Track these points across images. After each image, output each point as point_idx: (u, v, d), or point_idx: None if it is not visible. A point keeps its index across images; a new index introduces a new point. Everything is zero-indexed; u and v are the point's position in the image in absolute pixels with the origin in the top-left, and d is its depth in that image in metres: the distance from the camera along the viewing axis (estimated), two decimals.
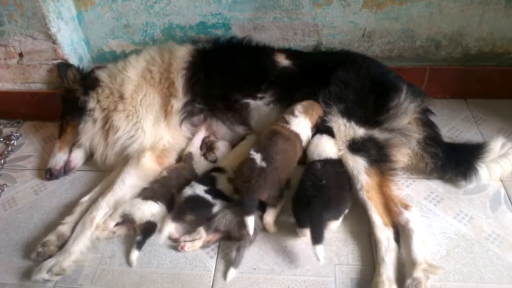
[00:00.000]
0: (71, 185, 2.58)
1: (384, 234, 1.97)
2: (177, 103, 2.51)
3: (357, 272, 1.97)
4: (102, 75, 2.61)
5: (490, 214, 2.18)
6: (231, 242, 2.12)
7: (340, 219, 2.10)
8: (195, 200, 2.12)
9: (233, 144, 2.55)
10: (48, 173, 2.61)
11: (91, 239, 2.12)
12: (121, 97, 2.52)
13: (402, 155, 2.27)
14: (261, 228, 2.11)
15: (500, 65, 2.80)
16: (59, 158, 2.62)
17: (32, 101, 2.99)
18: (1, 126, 3.09)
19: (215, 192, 2.17)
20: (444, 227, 2.13)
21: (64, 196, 2.51)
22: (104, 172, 2.62)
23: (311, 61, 2.55)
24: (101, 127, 2.55)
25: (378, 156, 2.15)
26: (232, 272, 1.97)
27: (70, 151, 2.64)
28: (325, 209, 1.98)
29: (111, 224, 2.14)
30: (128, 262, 2.08)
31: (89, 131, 2.55)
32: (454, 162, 2.29)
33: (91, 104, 2.55)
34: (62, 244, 2.14)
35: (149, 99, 2.51)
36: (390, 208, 2.05)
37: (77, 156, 2.66)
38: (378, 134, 2.21)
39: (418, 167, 2.35)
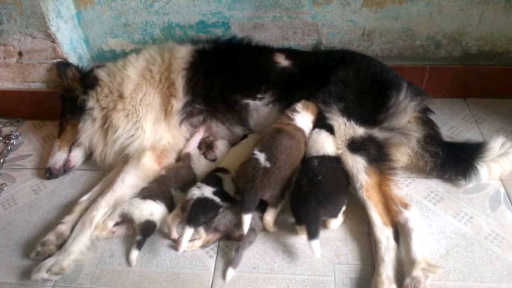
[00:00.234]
0: (70, 184, 2.58)
1: (384, 234, 1.97)
2: (177, 103, 2.50)
3: (356, 271, 1.98)
4: (102, 74, 2.61)
5: (489, 213, 2.18)
6: (230, 241, 2.12)
7: (340, 216, 2.10)
8: (204, 202, 2.10)
9: (232, 144, 2.55)
10: (47, 172, 2.61)
11: (90, 238, 2.12)
12: (121, 96, 2.52)
13: (402, 154, 2.27)
14: (261, 228, 2.11)
15: (499, 64, 2.80)
16: (58, 157, 2.62)
17: (32, 100, 2.99)
18: (1, 125, 3.09)
19: (222, 193, 2.16)
20: (444, 226, 2.13)
21: (64, 195, 2.51)
22: (103, 171, 2.62)
23: (310, 61, 2.55)
24: (100, 126, 2.55)
25: (377, 155, 2.15)
26: (230, 272, 1.98)
27: (70, 150, 2.64)
28: (321, 205, 1.97)
29: (110, 223, 2.14)
30: (128, 261, 2.08)
31: (89, 130, 2.55)
32: (454, 161, 2.29)
33: (91, 103, 2.54)
34: (62, 244, 2.14)
35: (149, 99, 2.51)
36: (390, 207, 2.05)
37: (77, 155, 2.66)
38: (377, 133, 2.21)
39: (418, 166, 2.35)
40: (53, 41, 2.70)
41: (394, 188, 2.14)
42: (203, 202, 2.10)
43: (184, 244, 2.03)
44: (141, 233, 2.09)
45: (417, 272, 1.82)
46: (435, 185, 2.34)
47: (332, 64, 2.42)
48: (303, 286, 1.93)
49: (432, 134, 2.33)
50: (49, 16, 2.60)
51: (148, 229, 2.11)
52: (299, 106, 2.30)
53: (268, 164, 2.06)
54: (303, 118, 2.27)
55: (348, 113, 2.24)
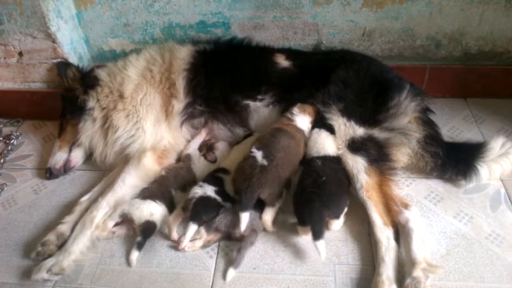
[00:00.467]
0: (70, 184, 2.58)
1: (384, 234, 1.97)
2: (178, 104, 2.50)
3: (357, 271, 1.97)
4: (102, 74, 2.61)
5: (490, 213, 2.18)
6: (231, 241, 2.12)
7: (341, 217, 2.10)
8: (206, 200, 2.11)
9: (232, 145, 2.54)
10: (48, 172, 2.61)
11: (91, 238, 2.12)
12: (121, 96, 2.52)
13: (402, 155, 2.27)
14: (262, 228, 2.11)
15: (500, 64, 2.80)
16: (59, 157, 2.62)
17: (32, 100, 2.99)
18: (1, 125, 3.09)
19: (224, 193, 2.17)
20: (444, 227, 2.13)
21: (64, 195, 2.51)
22: (103, 171, 2.62)
23: (311, 61, 2.54)
24: (100, 126, 2.55)
25: (377, 155, 2.15)
26: (231, 273, 1.98)
27: (70, 150, 2.64)
28: (325, 206, 1.98)
29: (110, 224, 2.14)
30: (128, 262, 2.08)
31: (89, 130, 2.55)
32: (454, 161, 2.28)
33: (91, 103, 2.54)
34: (62, 244, 2.14)
35: (150, 99, 2.51)
36: (390, 208, 2.05)
37: (77, 155, 2.66)
38: (378, 133, 2.21)
39: (418, 166, 2.35)
40: (54, 41, 2.70)
41: (394, 188, 2.14)
42: (205, 200, 2.11)
43: (187, 239, 2.04)
44: (142, 234, 2.09)
45: (417, 272, 1.81)
46: (436, 185, 2.34)
47: (332, 64, 2.42)
48: (303, 287, 1.93)
49: (433, 134, 2.33)
50: (50, 16, 2.60)
51: (148, 229, 2.11)
52: (295, 110, 2.30)
53: (265, 162, 2.07)
54: (302, 120, 2.28)
55: (348, 113, 2.24)
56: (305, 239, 2.05)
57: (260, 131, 2.48)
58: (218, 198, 2.13)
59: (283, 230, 2.14)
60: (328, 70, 2.39)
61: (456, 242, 2.06)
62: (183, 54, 2.57)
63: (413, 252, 1.89)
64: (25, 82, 2.95)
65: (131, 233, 2.20)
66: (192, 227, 2.05)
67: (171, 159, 2.47)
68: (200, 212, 2.07)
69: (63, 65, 2.69)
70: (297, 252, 2.06)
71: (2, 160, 2.79)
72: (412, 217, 2.01)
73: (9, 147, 2.89)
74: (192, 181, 2.32)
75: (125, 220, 2.15)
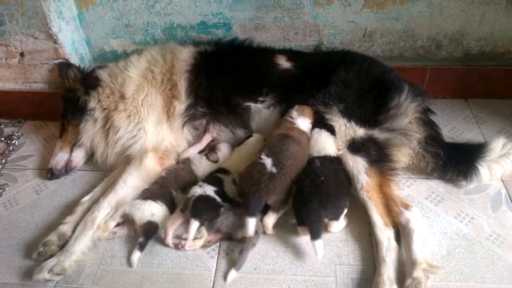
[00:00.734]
0: (72, 184, 2.59)
1: (385, 234, 1.97)
2: (180, 105, 2.50)
3: (357, 272, 1.98)
4: (103, 74, 2.61)
5: (491, 214, 2.18)
6: (232, 242, 2.12)
7: (341, 219, 2.10)
8: (206, 199, 2.11)
9: (233, 146, 2.54)
10: (49, 173, 2.61)
11: (92, 239, 2.13)
12: (122, 97, 2.52)
13: (403, 155, 2.27)
14: (263, 230, 2.11)
15: (501, 65, 2.80)
16: (60, 158, 2.62)
17: (33, 101, 3.00)
18: (2, 126, 3.09)
19: (223, 194, 2.17)
20: (445, 227, 2.13)
21: (65, 195, 2.51)
22: (104, 172, 2.62)
23: (312, 62, 2.55)
24: (101, 127, 2.55)
25: (378, 156, 2.16)
26: (232, 274, 1.98)
27: (71, 151, 2.64)
28: (323, 206, 1.98)
29: (112, 224, 2.15)
30: (129, 262, 2.08)
31: (90, 130, 2.56)
32: (455, 162, 2.29)
33: (92, 103, 2.55)
34: (63, 244, 2.15)
35: (151, 100, 2.51)
36: (391, 208, 2.05)
37: (78, 156, 2.66)
38: (378, 134, 2.21)
39: (419, 167, 2.35)
40: (55, 41, 2.71)
41: (395, 188, 2.14)
42: (205, 199, 2.11)
43: (191, 236, 2.04)
44: (144, 235, 2.09)
45: (418, 273, 1.82)
46: (436, 186, 2.34)
47: (333, 65, 2.42)
48: (304, 287, 1.93)
49: (433, 134, 2.33)
50: (51, 17, 2.61)
51: (150, 230, 2.11)
52: (294, 113, 2.30)
53: (274, 170, 2.07)
54: (303, 123, 2.28)
55: (349, 114, 2.24)
56: (305, 239, 2.05)
57: (261, 132, 2.49)
58: (217, 198, 2.13)
59: (284, 230, 2.14)
60: (329, 71, 2.39)
61: (457, 242, 2.06)
62: (185, 55, 2.57)
63: (414, 252, 1.89)
64: (26, 82, 2.95)
65: (132, 233, 2.20)
66: (194, 224, 2.05)
67: (171, 160, 2.47)
68: (201, 209, 2.08)
69: (65, 66, 2.70)
70: (298, 253, 2.07)
71: (3, 161, 2.80)
72: (412, 217, 2.01)
73: (11, 147, 2.90)
74: (193, 182, 2.31)
75: (126, 220, 2.16)
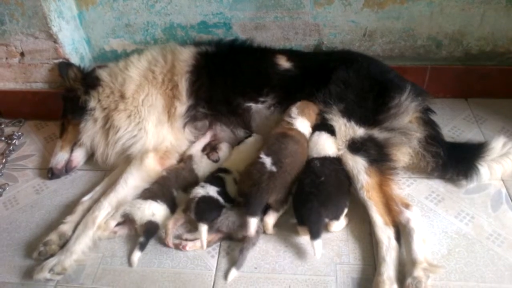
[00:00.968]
0: (72, 184, 2.59)
1: (385, 234, 1.97)
2: (181, 106, 2.50)
3: (358, 271, 1.98)
4: (103, 74, 2.61)
5: (491, 213, 2.18)
6: (232, 241, 2.12)
7: (341, 219, 2.10)
8: (209, 200, 2.11)
9: (233, 146, 2.55)
10: (49, 172, 2.61)
11: (92, 238, 2.13)
12: (122, 97, 2.52)
13: (403, 154, 2.27)
14: (263, 230, 2.11)
15: (501, 64, 2.80)
16: (60, 157, 2.62)
17: (34, 100, 3.00)
18: (3, 126, 3.10)
19: (225, 194, 2.17)
20: (445, 227, 2.13)
21: (66, 195, 2.52)
22: (105, 171, 2.62)
23: (312, 62, 2.55)
24: (101, 127, 2.55)
25: (378, 155, 2.15)
26: (233, 273, 1.98)
27: (72, 150, 2.65)
28: (323, 206, 1.98)
29: (112, 223, 2.15)
30: (130, 262, 2.08)
31: (90, 130, 2.56)
32: (455, 161, 2.29)
33: (92, 103, 2.55)
34: (64, 243, 2.15)
35: (151, 100, 2.51)
36: (391, 207, 2.05)
37: (79, 155, 2.66)
38: (377, 133, 2.21)
39: (419, 167, 2.35)
40: (55, 41, 2.71)
41: (395, 188, 2.14)
42: (207, 200, 2.11)
43: (204, 240, 2.02)
44: (144, 235, 2.10)
45: (418, 272, 1.82)
46: (437, 185, 2.34)
47: (333, 65, 2.42)
48: (304, 286, 1.93)
49: (434, 134, 2.33)
50: (51, 16, 2.61)
51: (150, 230, 2.11)
52: (293, 111, 2.30)
53: (274, 169, 2.07)
54: (302, 123, 2.27)
55: (349, 114, 2.24)
56: (306, 239, 2.05)
57: (262, 133, 2.49)
58: (220, 198, 2.13)
59: (285, 230, 2.14)
60: (329, 71, 2.39)
61: (457, 242, 2.06)
62: (186, 56, 2.57)
63: (414, 252, 1.89)
64: (26, 82, 2.95)
65: (132, 233, 2.20)
66: (204, 227, 2.02)
67: (172, 160, 2.47)
68: (204, 210, 2.07)
69: (65, 66, 2.70)
70: (299, 252, 2.07)
71: (4, 160, 2.80)
72: (413, 217, 2.01)
73: (11, 147, 2.90)
74: (194, 182, 2.32)
75: (127, 220, 2.16)
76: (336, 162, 2.16)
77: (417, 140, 2.27)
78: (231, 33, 2.80)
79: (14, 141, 2.94)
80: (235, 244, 2.10)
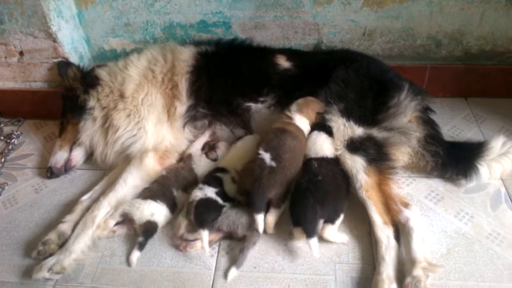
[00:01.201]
0: (71, 183, 2.58)
1: (384, 233, 1.97)
2: (181, 106, 2.50)
3: (357, 270, 1.98)
4: (102, 73, 2.61)
5: (490, 213, 2.18)
6: (231, 241, 2.12)
7: (336, 224, 2.05)
8: (207, 202, 2.10)
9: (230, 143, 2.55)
10: (48, 172, 2.61)
11: (92, 238, 2.12)
12: (122, 96, 2.52)
13: (402, 154, 2.27)
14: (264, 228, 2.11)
15: (500, 64, 2.80)
16: (59, 157, 2.62)
17: (33, 100, 3.00)
18: (2, 125, 3.09)
19: (224, 194, 2.17)
20: (445, 226, 2.13)
21: (65, 194, 2.51)
22: (104, 170, 2.62)
23: (311, 61, 2.55)
24: (100, 126, 2.55)
25: (377, 155, 2.15)
26: (233, 272, 1.98)
27: (71, 150, 2.64)
28: (319, 203, 1.96)
29: (111, 223, 2.14)
30: (128, 262, 2.08)
31: (89, 129, 2.55)
32: (455, 160, 2.29)
33: (91, 102, 2.54)
34: (63, 243, 2.14)
35: (151, 99, 2.51)
36: (390, 207, 2.05)
37: (78, 155, 2.66)
38: (376, 133, 2.20)
39: (419, 166, 2.35)
40: (54, 40, 2.71)
41: (394, 187, 2.13)
42: (206, 202, 2.10)
43: (207, 247, 2.00)
44: (143, 234, 2.09)
45: (417, 271, 1.82)
46: (436, 185, 2.34)
47: (333, 64, 2.42)
48: (304, 285, 1.93)
49: (433, 133, 2.33)
50: (50, 15, 2.61)
51: (149, 230, 2.11)
52: (293, 108, 2.30)
53: (273, 164, 2.07)
54: (299, 120, 2.27)
55: (348, 114, 2.23)
56: (303, 239, 2.04)
57: (261, 132, 2.48)
58: (218, 199, 2.13)
59: (284, 229, 2.14)
60: (329, 70, 2.38)
61: (457, 241, 2.06)
62: (186, 56, 2.56)
63: (413, 251, 1.89)
64: (26, 81, 2.95)
65: (131, 232, 2.20)
66: (205, 234, 2.00)
67: (172, 159, 2.47)
68: (203, 213, 2.06)
69: (64, 65, 2.70)
70: (298, 251, 2.07)
71: (3, 159, 2.80)
72: (412, 216, 2.01)
73: (10, 146, 2.89)
74: (194, 181, 2.32)
75: (126, 219, 2.15)
76: (334, 163, 2.15)
77: (417, 139, 2.27)
78: (230, 32, 2.80)
79: (13, 140, 2.94)
80: (234, 244, 2.10)
